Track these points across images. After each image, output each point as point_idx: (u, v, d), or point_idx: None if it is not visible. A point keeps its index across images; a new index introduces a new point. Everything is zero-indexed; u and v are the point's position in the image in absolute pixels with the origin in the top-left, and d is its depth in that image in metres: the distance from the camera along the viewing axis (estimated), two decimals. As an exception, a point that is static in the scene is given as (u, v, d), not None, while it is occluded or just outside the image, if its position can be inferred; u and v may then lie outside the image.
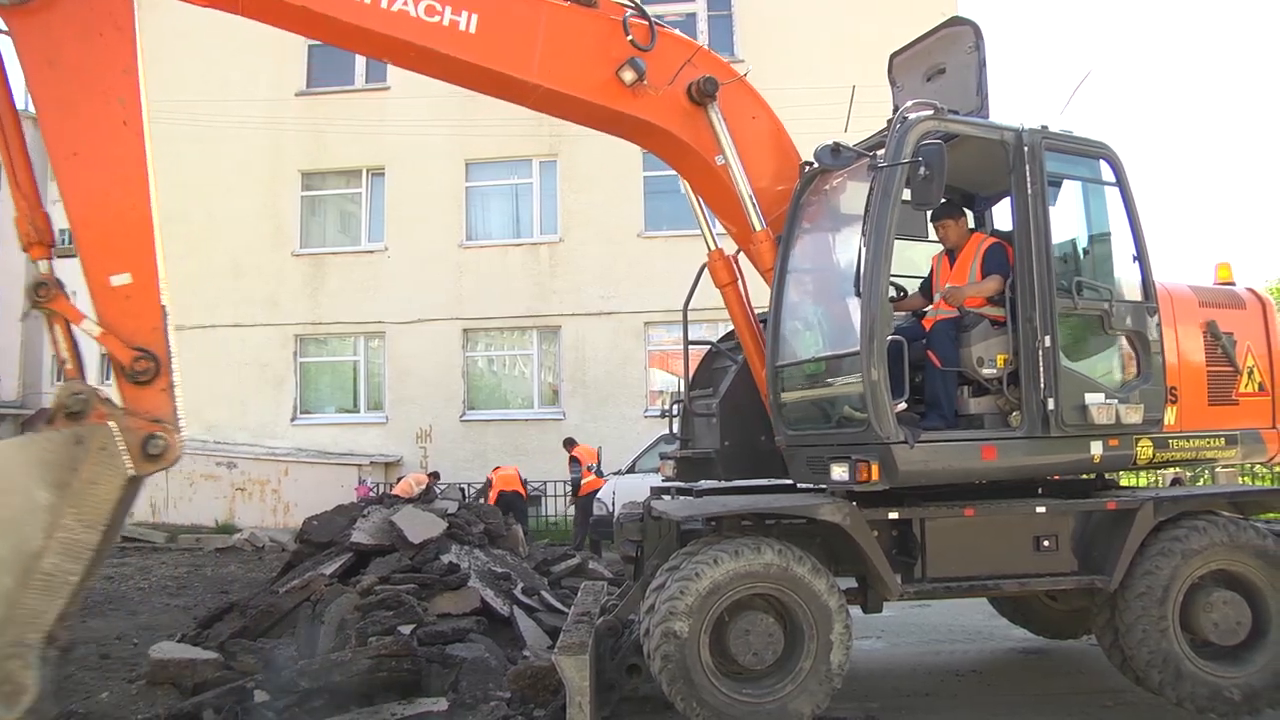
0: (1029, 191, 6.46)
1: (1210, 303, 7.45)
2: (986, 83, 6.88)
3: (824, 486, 6.71)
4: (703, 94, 6.80)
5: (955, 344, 6.48)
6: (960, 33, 7.08)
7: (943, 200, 6.33)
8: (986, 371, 6.40)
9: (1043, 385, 6.27)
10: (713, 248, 7.54)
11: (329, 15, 5.94)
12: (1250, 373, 7.41)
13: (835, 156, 6.25)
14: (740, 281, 7.40)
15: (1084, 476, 7.16)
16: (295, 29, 6.40)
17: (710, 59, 7.10)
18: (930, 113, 6.28)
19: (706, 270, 7.54)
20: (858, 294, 6.07)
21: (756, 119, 7.26)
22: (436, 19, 6.13)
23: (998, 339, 6.45)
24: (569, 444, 18.28)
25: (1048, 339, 6.29)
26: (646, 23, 6.73)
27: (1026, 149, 6.50)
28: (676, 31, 7.06)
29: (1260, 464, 9.02)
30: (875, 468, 5.91)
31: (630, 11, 6.72)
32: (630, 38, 6.61)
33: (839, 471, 6.12)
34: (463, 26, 6.19)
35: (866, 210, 6.10)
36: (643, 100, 6.76)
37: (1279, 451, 7.50)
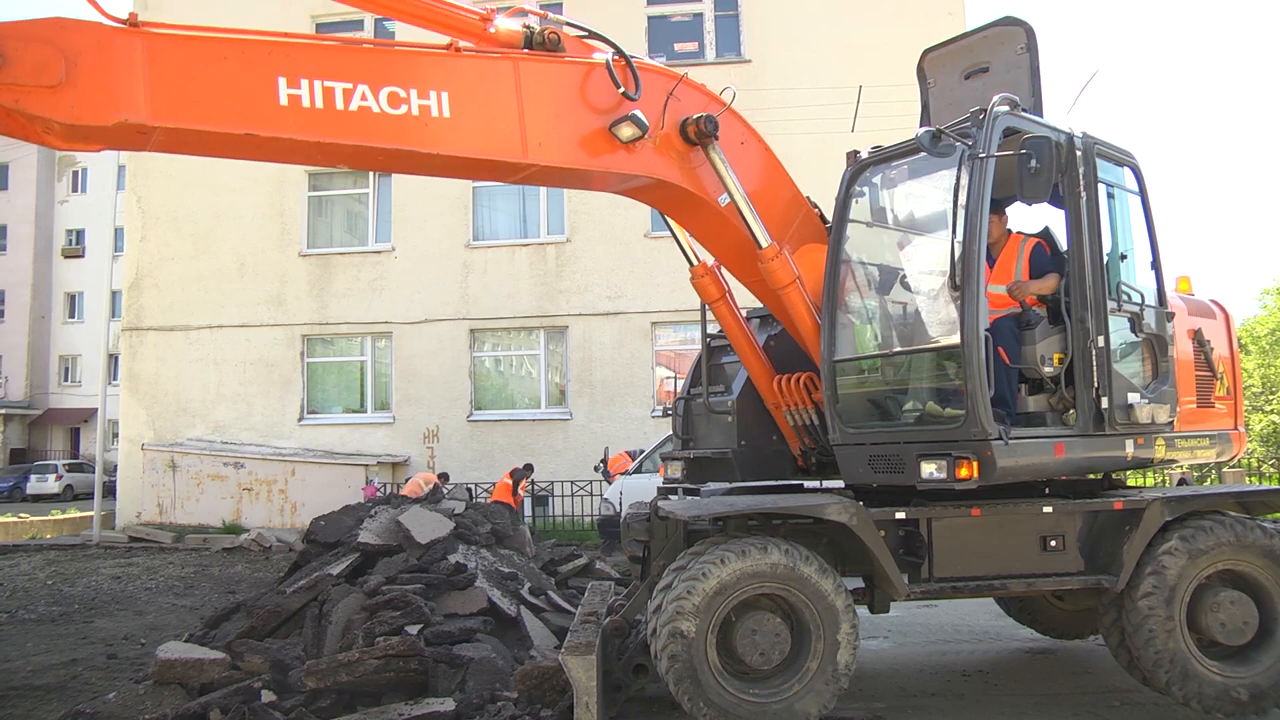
0: (1081, 195, 6.50)
1: (1196, 312, 7.72)
2: (1040, 85, 6.88)
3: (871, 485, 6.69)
4: (702, 134, 6.31)
5: (1019, 341, 6.49)
6: (1011, 32, 7.03)
7: None
8: (1047, 370, 6.44)
9: (1096, 384, 6.35)
10: (694, 263, 7.38)
11: (278, 137, 5.08)
12: (1221, 378, 7.69)
13: (936, 143, 6.00)
14: (729, 295, 7.29)
15: (1090, 476, 7.20)
16: (241, 156, 5.50)
17: (693, 90, 6.55)
18: (1009, 108, 6.27)
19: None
20: (954, 287, 5.97)
21: (745, 143, 6.88)
22: (404, 109, 5.34)
23: (1056, 337, 6.50)
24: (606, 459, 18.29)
25: (1101, 339, 6.37)
26: (625, 62, 6.10)
27: (1080, 153, 6.55)
28: (648, 60, 6.49)
29: (1223, 463, 9.27)
30: (976, 465, 5.87)
31: (610, 54, 6.11)
32: (622, 89, 6.01)
33: (932, 469, 6.02)
34: (435, 112, 5.44)
35: (957, 201, 5.97)
36: (638, 155, 6.17)
37: (1240, 450, 7.91)
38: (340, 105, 5.17)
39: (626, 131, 6.00)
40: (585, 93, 6.04)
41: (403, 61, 5.46)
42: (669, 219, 7.37)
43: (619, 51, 6.14)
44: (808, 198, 7.23)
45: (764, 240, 6.63)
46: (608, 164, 6.12)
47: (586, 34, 6.30)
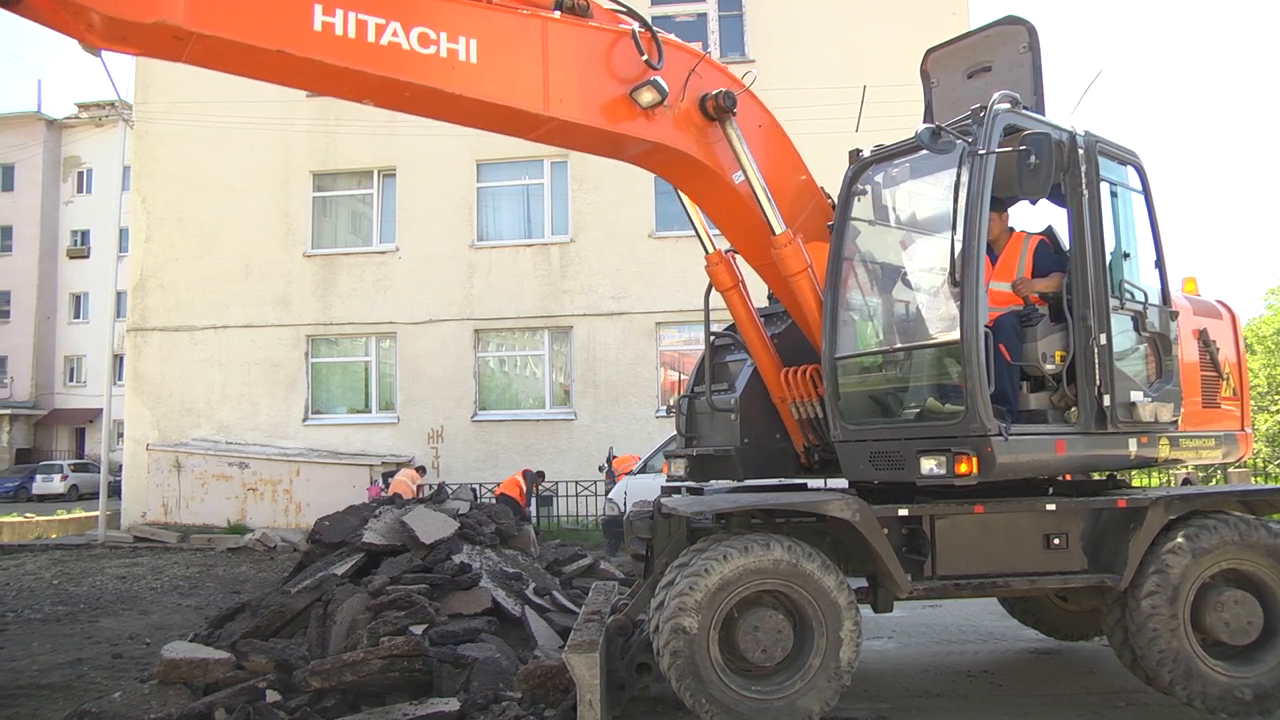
0: (1084, 194, 6.49)
1: (1201, 312, 7.68)
2: (1043, 84, 6.89)
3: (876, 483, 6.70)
4: (720, 110, 6.45)
5: (1021, 338, 6.48)
6: (1013, 31, 7.04)
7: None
8: (1049, 367, 6.42)
9: (1098, 382, 6.33)
10: (710, 250, 7.47)
11: (311, 59, 5.21)
12: (1227, 379, 7.66)
13: (936, 140, 6.02)
14: (742, 284, 7.37)
15: (1094, 476, 7.19)
16: (273, 78, 5.56)
17: (714, 68, 6.76)
18: (1009, 105, 6.27)
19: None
20: (954, 283, 5.97)
21: (763, 125, 7.01)
22: (432, 49, 5.51)
23: (1058, 335, 6.48)
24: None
25: (1103, 337, 6.35)
26: (652, 35, 6.28)
27: (1082, 150, 6.54)
28: (674, 37, 6.64)
29: (1230, 464, 9.26)
30: (975, 460, 5.86)
31: (637, 25, 6.27)
32: (645, 56, 6.19)
33: (931, 465, 6.01)
34: (463, 56, 5.60)
35: (957, 198, 5.98)
36: (657, 122, 6.32)
37: (1247, 452, 7.92)
38: (371, 38, 5.34)
39: (646, 96, 6.14)
40: (610, 59, 6.20)
41: (435, 5, 5.60)
42: (686, 204, 7.55)
43: (646, 24, 6.30)
44: (822, 188, 7.28)
45: (778, 226, 6.72)
46: (626, 128, 6.26)
47: (623, 10, 6.41)
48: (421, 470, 19.43)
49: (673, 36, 6.60)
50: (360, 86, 5.59)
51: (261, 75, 5.55)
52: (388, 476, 19.64)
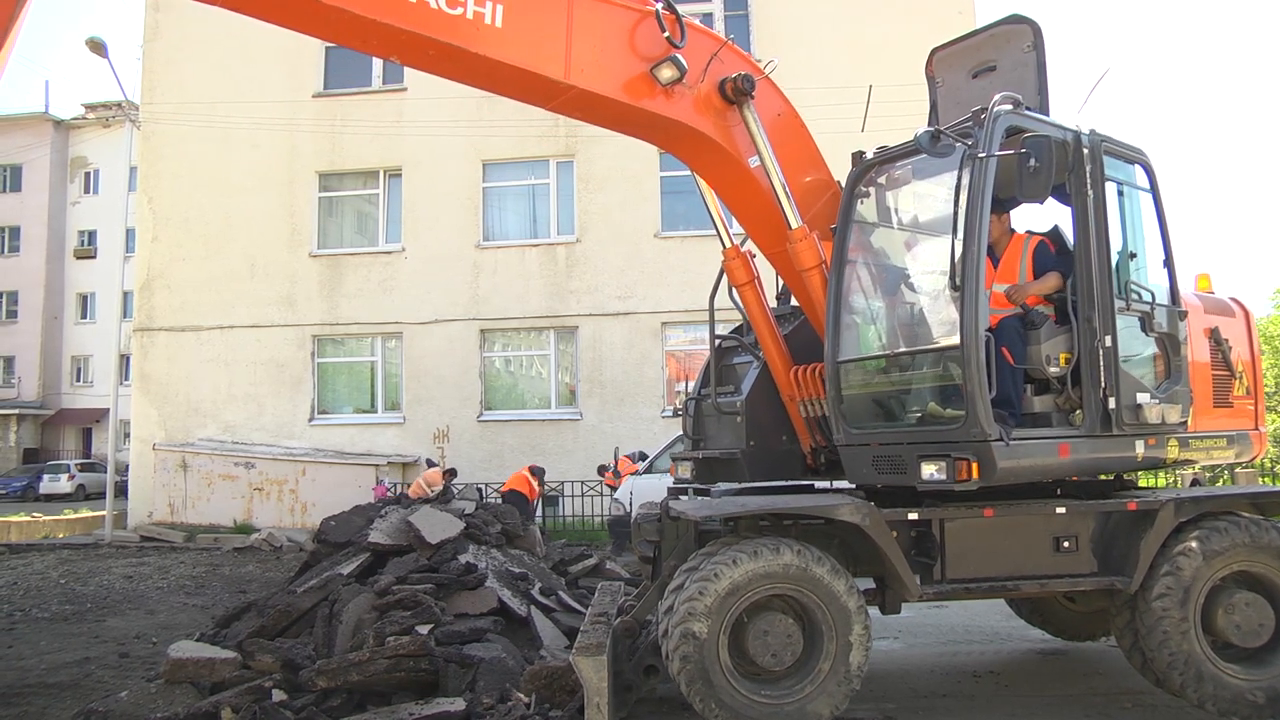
0: (1089, 194, 6.46)
1: (1213, 310, 7.63)
2: (1047, 83, 6.86)
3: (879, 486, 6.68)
4: (739, 92, 6.53)
5: (1024, 341, 6.45)
6: (1017, 30, 7.01)
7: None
8: (1053, 370, 6.39)
9: (1103, 384, 6.29)
10: (728, 245, 7.49)
11: (339, 7, 5.36)
12: (1240, 377, 7.61)
13: (935, 143, 5.99)
14: (758, 280, 7.37)
15: (1102, 477, 7.16)
16: (301, 26, 5.76)
17: (736, 54, 6.83)
18: (1010, 107, 6.25)
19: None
20: (954, 287, 5.93)
21: (782, 115, 7.07)
22: (460, 11, 5.65)
23: (1063, 337, 6.44)
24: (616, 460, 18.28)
25: (1108, 339, 6.32)
26: (675, 16, 6.38)
27: (1086, 150, 6.52)
28: (699, 23, 6.74)
29: (1240, 463, 9.20)
30: (975, 466, 5.84)
31: (661, 5, 6.37)
32: (667, 34, 6.28)
33: (932, 470, 5.99)
34: (488, 20, 5.75)
35: (958, 202, 5.95)
36: (676, 101, 6.44)
37: (1261, 451, 7.87)
38: None
39: (666, 73, 6.28)
40: (633, 37, 6.32)
41: None
42: (706, 197, 7.64)
43: (670, 6, 6.39)
44: (838, 182, 7.30)
45: (794, 220, 6.76)
46: (645, 104, 6.37)
47: None
48: (451, 473, 19.20)
49: (697, 22, 6.68)
50: (386, 40, 5.72)
51: (290, 21, 5.69)
52: (431, 463, 19.75)
